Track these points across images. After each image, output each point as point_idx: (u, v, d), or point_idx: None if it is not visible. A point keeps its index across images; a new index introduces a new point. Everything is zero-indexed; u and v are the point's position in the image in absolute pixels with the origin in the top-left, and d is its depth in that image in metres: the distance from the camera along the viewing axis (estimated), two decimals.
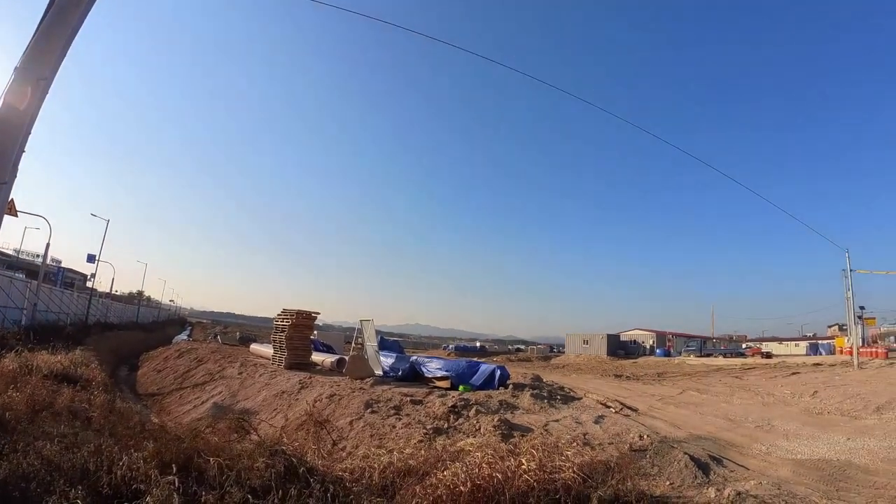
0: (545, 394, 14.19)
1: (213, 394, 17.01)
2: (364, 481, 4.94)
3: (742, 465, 7.74)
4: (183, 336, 50.82)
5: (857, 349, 36.49)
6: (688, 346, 77.03)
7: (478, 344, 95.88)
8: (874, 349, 46.78)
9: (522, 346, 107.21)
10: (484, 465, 4.88)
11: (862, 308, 41.05)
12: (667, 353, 71.38)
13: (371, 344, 18.88)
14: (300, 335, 20.22)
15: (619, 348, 76.93)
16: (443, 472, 4.82)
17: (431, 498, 4.43)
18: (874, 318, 52.14)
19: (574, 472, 4.95)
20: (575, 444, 7.13)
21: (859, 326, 41.51)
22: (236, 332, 59.92)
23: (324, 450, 6.68)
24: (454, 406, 11.02)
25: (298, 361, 19.49)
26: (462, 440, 6.94)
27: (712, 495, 5.61)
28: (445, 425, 9.80)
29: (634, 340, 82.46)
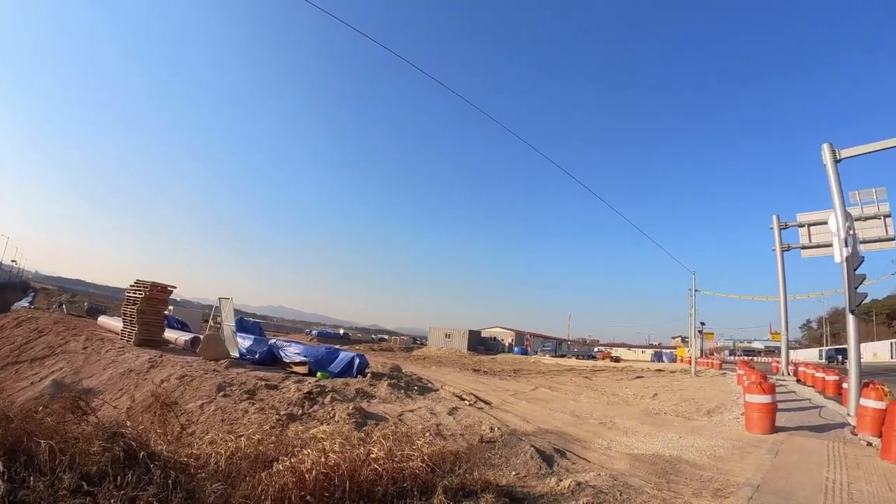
0: (403, 384, 14.39)
1: (53, 370, 15.84)
2: (210, 468, 4.82)
3: (584, 458, 8.13)
4: (23, 303, 47.59)
5: (696, 359, 40.82)
6: (544, 347, 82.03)
7: (341, 331, 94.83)
8: (710, 360, 52.74)
9: (386, 336, 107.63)
10: (332, 452, 4.89)
11: (703, 324, 46.03)
12: (524, 352, 75.35)
13: (229, 324, 17.88)
14: (153, 309, 19.00)
15: (480, 344, 79.95)
16: (290, 459, 4.80)
17: (277, 485, 4.36)
18: (712, 334, 58.53)
19: (423, 461, 5.11)
20: (428, 434, 7.32)
21: (699, 339, 46.42)
22: (84, 301, 54.99)
23: (171, 434, 6.33)
24: (310, 392, 10.98)
25: (149, 338, 18.40)
26: (315, 427, 7.04)
27: (554, 485, 5.84)
28: (300, 412, 9.75)
29: (495, 338, 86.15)
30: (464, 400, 14.29)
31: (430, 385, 16.65)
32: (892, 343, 76.04)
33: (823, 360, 61.46)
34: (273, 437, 5.96)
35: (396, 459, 5.03)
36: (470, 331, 79.22)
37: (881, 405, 9.25)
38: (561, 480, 5.97)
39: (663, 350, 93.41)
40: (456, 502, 4.64)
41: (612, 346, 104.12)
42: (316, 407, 10.14)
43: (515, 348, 79.28)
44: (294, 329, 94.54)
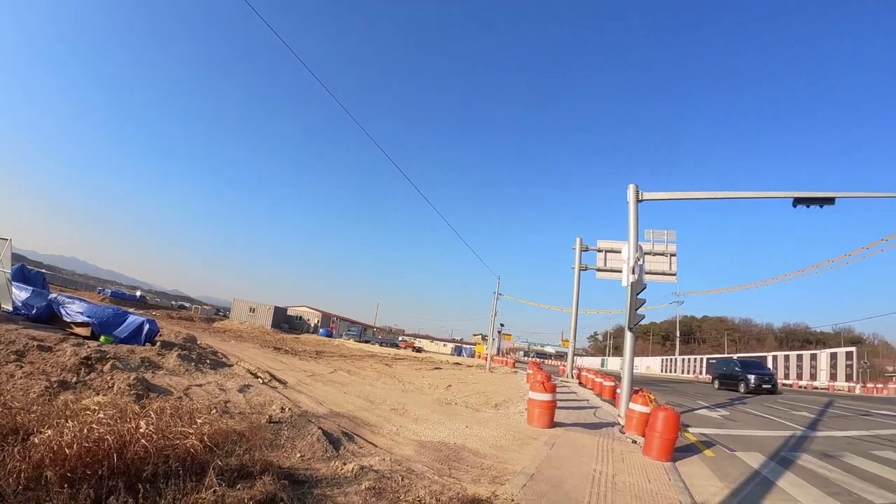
0: (194, 356, 13.97)
1: None
2: None
3: (372, 443, 8.19)
4: None
5: (492, 357, 43.71)
6: (349, 331, 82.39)
7: (138, 293, 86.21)
8: (505, 359, 56.98)
9: (187, 304, 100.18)
10: (98, 425, 4.49)
11: (502, 325, 49.58)
12: (329, 334, 75.03)
13: (4, 271, 15.21)
14: None
15: (285, 322, 78.19)
16: (48, 431, 4.29)
17: (32, 461, 3.88)
18: (510, 335, 63.01)
19: (199, 440, 4.83)
20: (213, 411, 7.04)
21: (497, 339, 49.82)
22: None
23: None
24: (88, 358, 10.15)
25: None
26: (90, 397, 6.44)
27: (338, 468, 5.80)
28: (75, 379, 8.92)
29: (301, 317, 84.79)
30: (258, 378, 13.96)
31: (224, 360, 16.20)
32: (662, 359, 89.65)
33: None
34: (37, 407, 5.31)
35: (170, 437, 4.69)
36: (276, 307, 76.96)
37: (646, 409, 10.67)
38: (346, 464, 5.93)
39: (464, 345, 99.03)
40: (230, 484, 4.33)
41: (416, 336, 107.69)
42: (94, 375, 9.38)
43: (321, 330, 78.50)
44: (85, 286, 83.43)
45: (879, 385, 44.22)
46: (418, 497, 5.11)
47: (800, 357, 54.81)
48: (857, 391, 41.76)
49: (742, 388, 30.37)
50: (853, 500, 7.03)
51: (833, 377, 47.52)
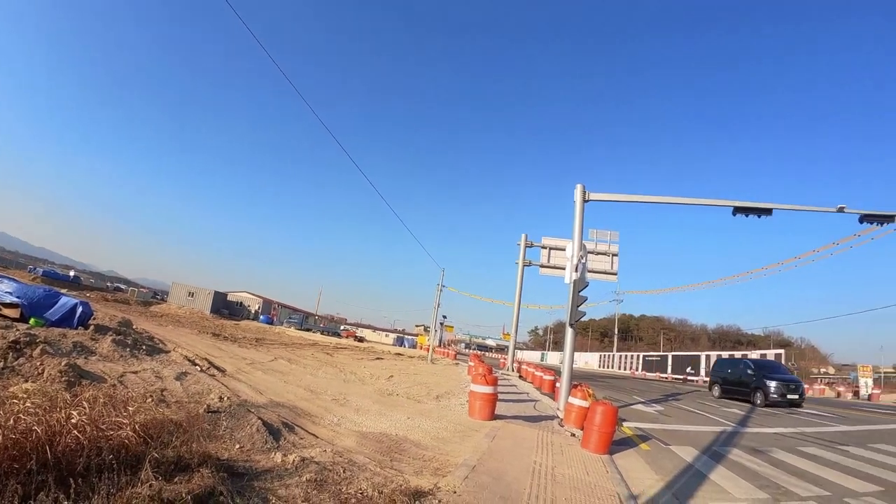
0: (130, 342, 13.53)
1: None
2: None
3: (313, 434, 8.11)
4: None
5: (434, 348, 43.94)
6: (291, 318, 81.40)
7: (72, 273, 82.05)
8: (447, 351, 57.47)
9: (123, 286, 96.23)
10: (25, 415, 4.31)
11: (445, 317, 49.86)
12: (270, 321, 73.96)
13: None
14: None
15: (225, 307, 76.52)
16: None
17: None
18: (452, 327, 63.65)
19: (134, 430, 4.72)
20: (149, 399, 6.84)
21: (440, 331, 50.14)
22: None
23: None
24: (17, 342, 9.69)
25: None
26: (18, 385, 6.23)
27: (278, 460, 5.73)
28: (1, 365, 8.57)
29: (241, 303, 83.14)
30: (196, 365, 13.65)
31: (161, 346, 15.78)
32: (600, 355, 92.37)
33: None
34: None
35: (104, 427, 4.54)
36: (216, 292, 74.95)
37: (585, 404, 10.98)
38: (286, 455, 5.87)
39: (406, 336, 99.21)
40: (167, 477, 4.20)
41: (358, 325, 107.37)
42: (22, 360, 8.99)
43: (262, 316, 77.13)
44: (15, 264, 78.70)
45: (805, 385, 46.82)
46: (360, 489, 5.10)
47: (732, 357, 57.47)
48: None
49: (759, 399, 22.77)
50: (781, 492, 7.43)
51: None
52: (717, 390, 27.08)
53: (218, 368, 14.20)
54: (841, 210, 15.15)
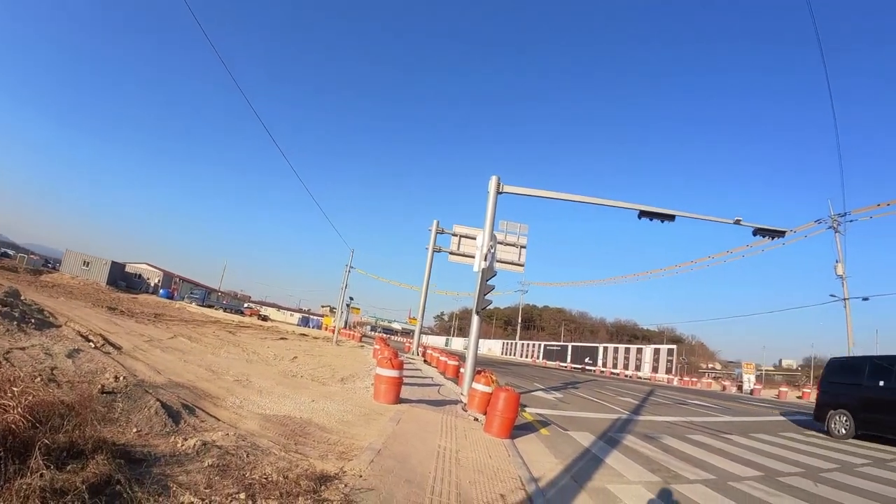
0: (17, 314, 12.62)
1: None
2: None
3: (214, 416, 7.94)
4: None
5: (339, 330, 43.67)
6: (192, 294, 78.37)
7: None
8: (353, 333, 57.32)
9: (11, 252, 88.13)
10: None
11: (351, 298, 49.64)
12: (170, 296, 70.74)
13: None
14: None
15: (122, 279, 72.17)
16: None
17: None
18: (359, 309, 63.13)
19: (22, 413, 4.37)
20: (38, 379, 6.55)
21: (346, 312, 49.89)
22: None
23: None
24: None
25: None
26: None
27: (179, 444, 5.59)
28: None
29: (140, 275, 78.82)
30: (90, 342, 12.89)
31: (52, 319, 14.80)
32: (503, 343, 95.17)
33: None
34: None
35: None
36: (113, 262, 70.30)
37: (489, 389, 11.38)
38: (187, 439, 5.74)
39: (311, 316, 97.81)
40: (59, 465, 3.94)
41: (262, 304, 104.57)
42: None
43: (161, 291, 73.43)
44: None
45: (694, 379, 51.33)
46: (265, 474, 5.08)
47: (627, 350, 61.48)
48: (675, 383, 47.39)
49: None
50: (671, 475, 8.12)
51: (655, 370, 53.80)
52: (845, 421, 14.13)
53: (113, 345, 13.48)
54: (737, 222, 16.45)
